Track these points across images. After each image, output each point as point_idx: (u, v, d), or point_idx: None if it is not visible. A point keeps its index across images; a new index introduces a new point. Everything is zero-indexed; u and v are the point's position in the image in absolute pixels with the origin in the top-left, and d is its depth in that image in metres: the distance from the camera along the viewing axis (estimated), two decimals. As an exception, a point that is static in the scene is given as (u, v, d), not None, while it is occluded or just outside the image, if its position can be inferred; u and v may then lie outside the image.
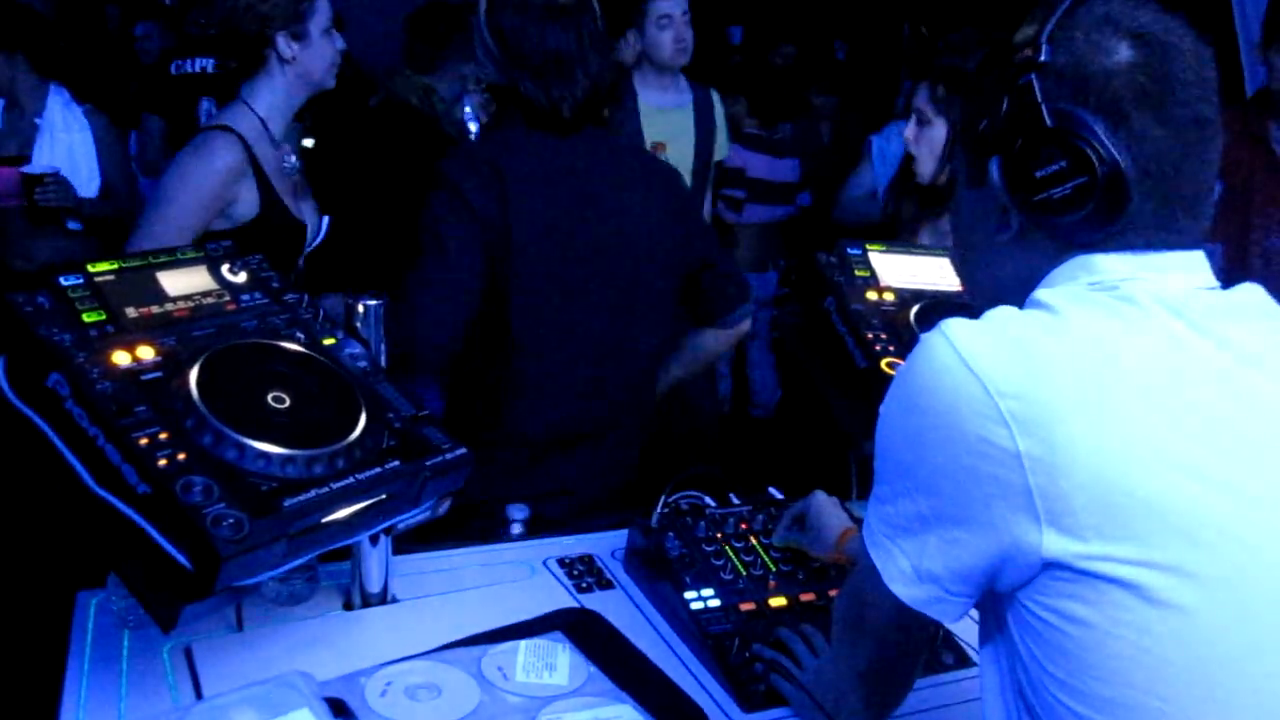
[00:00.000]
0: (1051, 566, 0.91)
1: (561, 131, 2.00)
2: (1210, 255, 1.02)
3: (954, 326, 0.96)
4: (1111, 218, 0.96)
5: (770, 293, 4.56)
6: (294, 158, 2.32)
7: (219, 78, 3.90)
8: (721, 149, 3.86)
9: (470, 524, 1.89)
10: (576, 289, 2.00)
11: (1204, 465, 0.91)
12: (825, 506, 1.63)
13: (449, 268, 1.92)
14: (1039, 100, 0.97)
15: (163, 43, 4.60)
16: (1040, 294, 0.99)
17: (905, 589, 1.00)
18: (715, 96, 3.83)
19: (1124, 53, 0.95)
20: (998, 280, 1.08)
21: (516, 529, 1.92)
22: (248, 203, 2.21)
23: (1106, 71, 0.95)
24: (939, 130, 2.23)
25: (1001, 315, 0.97)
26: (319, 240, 2.40)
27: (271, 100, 2.27)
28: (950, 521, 0.96)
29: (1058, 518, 0.90)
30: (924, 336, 0.98)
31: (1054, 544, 0.90)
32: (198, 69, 4.05)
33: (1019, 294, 1.04)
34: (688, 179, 3.45)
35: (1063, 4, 0.98)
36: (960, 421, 0.93)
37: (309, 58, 2.25)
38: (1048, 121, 0.97)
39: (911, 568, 1.00)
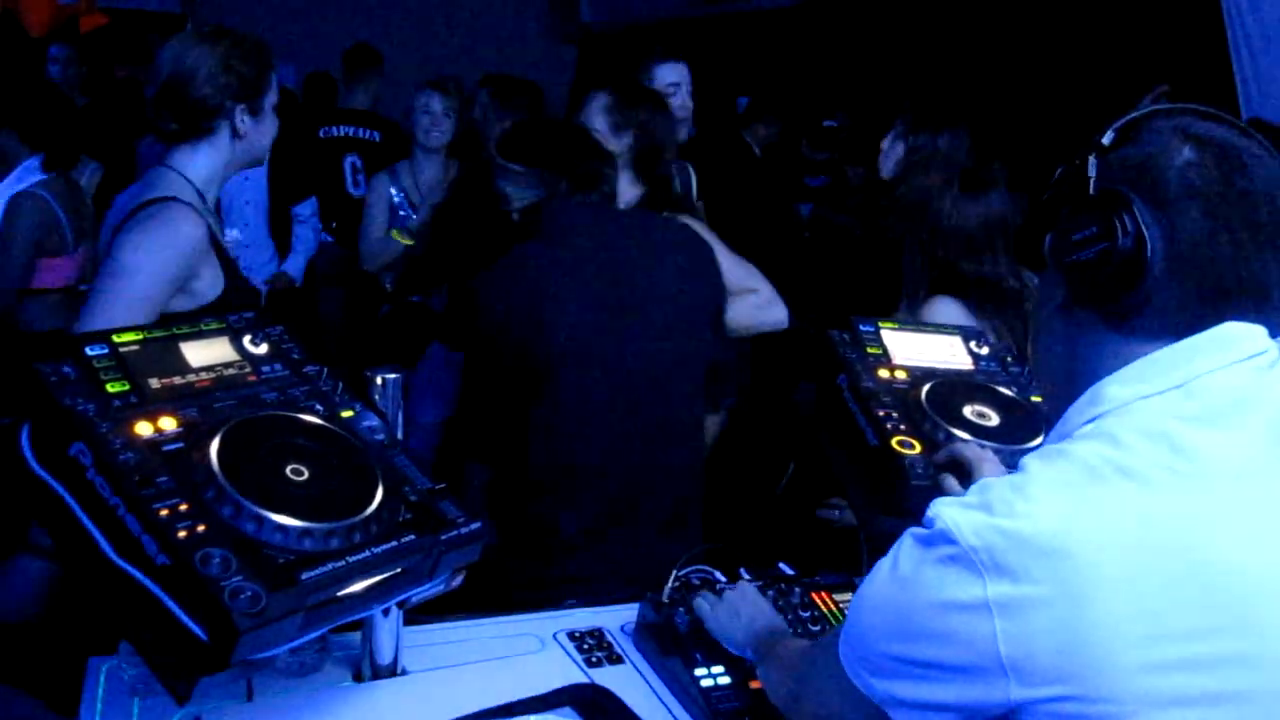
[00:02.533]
0: (1018, 711, 0.96)
1: (594, 222, 2.20)
2: None
3: (937, 504, 1.02)
4: (1130, 288, 1.00)
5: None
6: (235, 232, 2.26)
7: (367, 142, 4.85)
8: None
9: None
10: (615, 366, 2.13)
11: (1160, 627, 0.93)
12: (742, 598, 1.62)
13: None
14: (1090, 175, 1.04)
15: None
16: (1027, 459, 1.04)
17: (890, 711, 1.05)
18: None
19: (1185, 153, 1.00)
20: (1050, 356, 1.14)
21: None
22: (211, 280, 2.13)
23: (1161, 165, 1.01)
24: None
25: (979, 486, 1.03)
26: None
27: (210, 171, 2.20)
28: (925, 665, 1.00)
29: (1018, 663, 0.94)
30: None
31: (1017, 692, 0.95)
32: (341, 134, 4.98)
33: (1065, 376, 1.09)
34: None
35: (1143, 107, 1.06)
36: (930, 569, 0.99)
37: (259, 134, 2.22)
38: (1092, 191, 1.03)
39: (891, 697, 1.04)
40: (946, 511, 0.99)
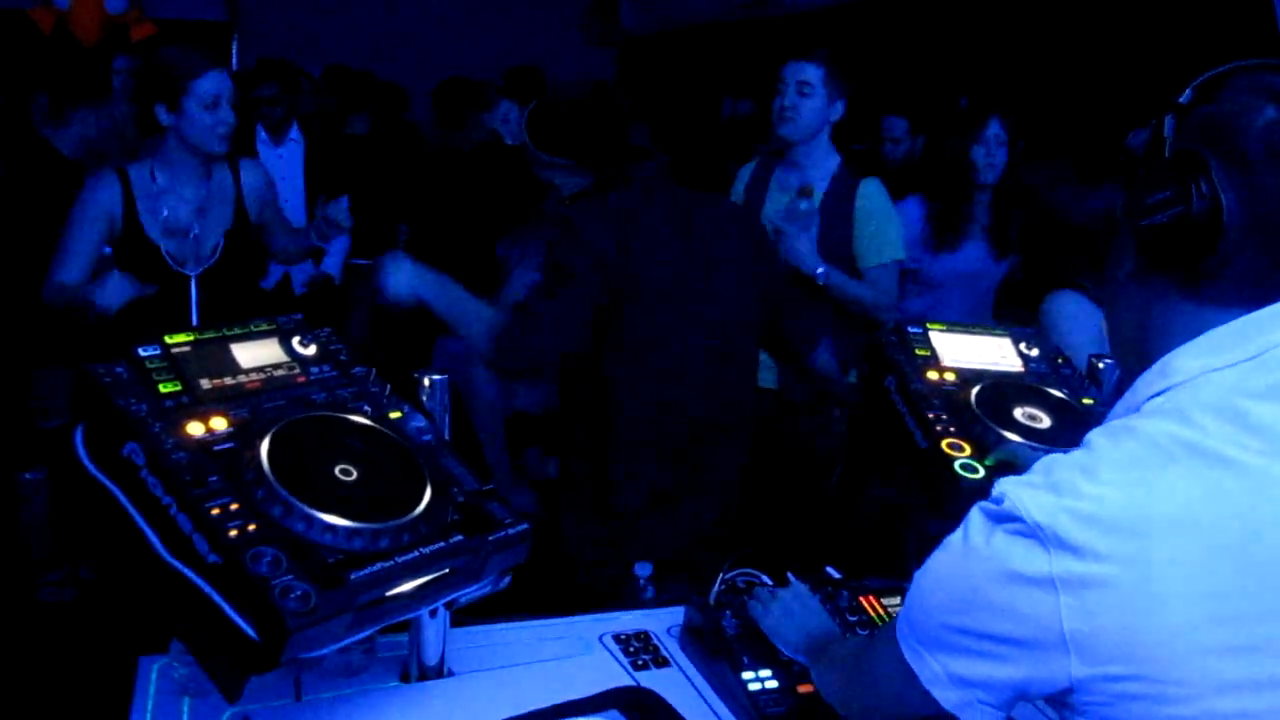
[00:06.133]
0: (1077, 690, 0.94)
1: (665, 188, 2.26)
2: None
3: (1003, 483, 1.00)
4: (1205, 254, 0.96)
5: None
6: (165, 211, 2.84)
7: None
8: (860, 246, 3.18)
9: (597, 589, 2.10)
10: (679, 332, 2.19)
11: (1227, 609, 0.90)
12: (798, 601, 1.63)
13: (566, 297, 2.11)
14: (1167, 136, 1.00)
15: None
16: (1092, 434, 1.00)
17: (940, 691, 1.03)
18: (869, 189, 3.17)
19: (1268, 113, 0.95)
20: (1120, 325, 1.10)
21: (649, 591, 1.92)
22: (117, 229, 2.83)
23: (1242, 125, 0.95)
24: None
25: (1044, 464, 1.00)
26: (212, 262, 2.91)
27: (162, 154, 2.88)
28: (984, 637, 0.98)
29: (1080, 640, 0.92)
30: None
31: (1079, 669, 0.93)
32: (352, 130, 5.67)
33: (1136, 346, 1.06)
34: None
35: (1228, 64, 1.00)
36: (995, 541, 0.97)
37: (185, 127, 2.80)
38: (1167, 153, 0.99)
39: (945, 674, 1.02)
40: (1013, 490, 0.97)
